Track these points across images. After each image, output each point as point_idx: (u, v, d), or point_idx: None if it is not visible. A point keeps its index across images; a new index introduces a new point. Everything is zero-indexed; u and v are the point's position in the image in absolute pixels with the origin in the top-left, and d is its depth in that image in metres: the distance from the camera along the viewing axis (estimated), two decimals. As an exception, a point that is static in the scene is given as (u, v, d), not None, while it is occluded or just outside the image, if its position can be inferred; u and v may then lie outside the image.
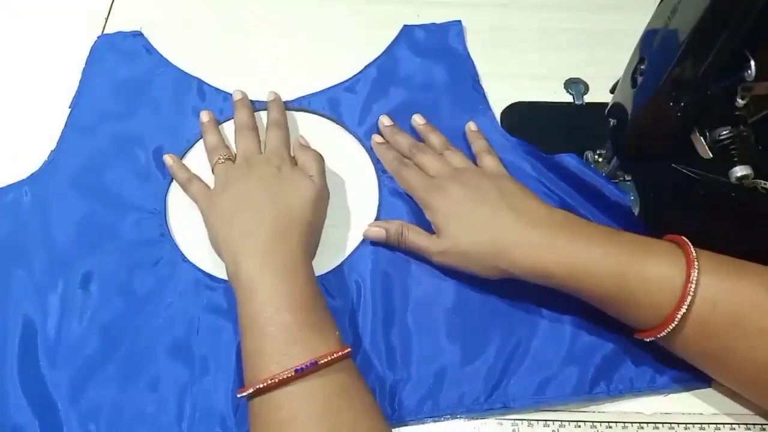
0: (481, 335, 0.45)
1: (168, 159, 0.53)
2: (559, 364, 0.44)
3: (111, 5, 0.65)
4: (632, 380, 0.43)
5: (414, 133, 0.55)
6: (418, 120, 0.55)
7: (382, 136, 0.55)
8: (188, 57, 0.61)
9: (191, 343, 0.45)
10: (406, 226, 0.48)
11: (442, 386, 0.43)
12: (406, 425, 0.42)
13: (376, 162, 0.54)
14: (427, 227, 0.48)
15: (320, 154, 0.52)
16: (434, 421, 0.43)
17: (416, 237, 0.47)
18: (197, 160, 0.54)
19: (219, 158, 0.51)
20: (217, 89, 0.58)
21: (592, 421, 0.42)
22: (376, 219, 0.51)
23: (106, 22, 0.64)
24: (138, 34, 0.62)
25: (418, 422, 0.43)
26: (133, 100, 0.58)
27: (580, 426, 0.42)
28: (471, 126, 0.55)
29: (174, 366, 0.44)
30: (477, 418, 0.43)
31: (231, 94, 0.58)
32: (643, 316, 0.40)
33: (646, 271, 0.39)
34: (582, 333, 0.45)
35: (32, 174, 0.53)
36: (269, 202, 0.46)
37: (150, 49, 0.61)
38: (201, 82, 0.59)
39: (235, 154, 0.52)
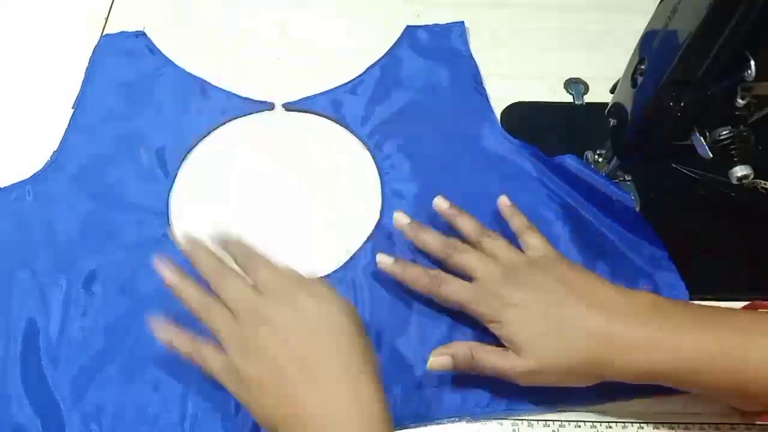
0: (484, 337, 0.45)
1: (165, 331, 0.41)
2: None
3: (111, 5, 0.65)
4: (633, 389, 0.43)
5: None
6: (441, 204, 0.47)
7: (405, 233, 0.47)
8: (190, 57, 0.61)
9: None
10: (476, 347, 0.41)
11: (445, 389, 0.43)
12: (408, 428, 0.43)
13: (379, 163, 0.54)
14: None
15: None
16: (437, 424, 0.43)
17: (493, 359, 0.40)
18: (201, 162, 0.55)
19: (214, 317, 0.40)
20: (219, 89, 0.59)
21: (592, 421, 0.42)
22: (378, 221, 0.51)
23: (105, 22, 0.64)
24: (141, 34, 0.62)
25: (421, 425, 0.43)
26: (136, 100, 0.58)
27: (580, 426, 0.42)
28: (504, 201, 0.48)
29: (176, 366, 0.44)
30: (475, 420, 0.43)
31: (234, 94, 0.57)
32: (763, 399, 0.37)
33: (760, 353, 0.36)
34: None
35: (35, 174, 0.53)
36: (303, 347, 0.38)
37: (153, 49, 0.61)
38: (204, 82, 0.59)
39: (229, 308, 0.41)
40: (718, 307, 0.40)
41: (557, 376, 0.39)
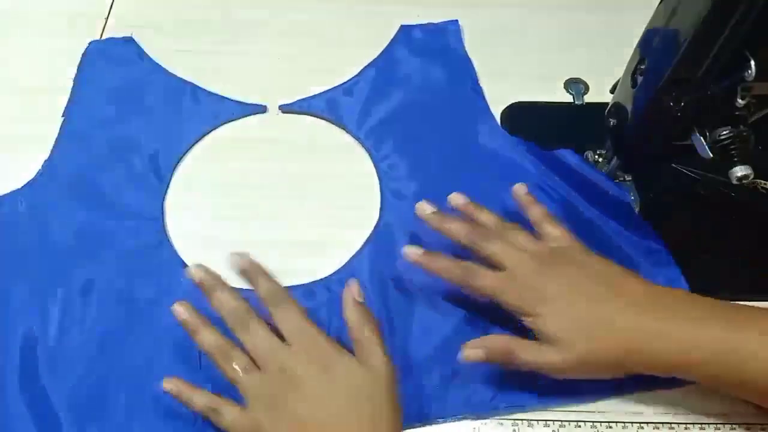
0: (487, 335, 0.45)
1: (175, 386, 0.40)
2: None
3: (109, 12, 0.65)
4: (638, 380, 0.43)
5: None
6: (458, 200, 0.46)
7: (428, 223, 0.45)
8: (183, 61, 0.60)
9: (192, 351, 0.44)
10: (512, 341, 0.40)
11: (448, 388, 0.43)
12: (411, 428, 0.42)
13: (377, 163, 0.54)
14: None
15: (373, 318, 0.41)
16: (438, 424, 0.42)
17: (530, 354, 0.39)
18: (195, 167, 0.54)
19: (237, 369, 0.38)
20: (210, 93, 0.58)
21: (592, 421, 0.42)
22: (378, 221, 0.51)
23: (103, 30, 0.64)
24: (129, 40, 0.62)
25: (423, 425, 0.42)
26: (127, 106, 0.57)
27: (580, 426, 0.42)
28: (520, 190, 0.46)
29: (175, 374, 0.43)
30: (478, 419, 0.43)
31: (226, 98, 0.57)
32: None
33: None
34: None
35: (27, 183, 0.53)
36: (332, 417, 0.37)
37: (142, 55, 0.61)
38: (195, 87, 0.59)
39: (249, 356, 0.39)
40: (748, 306, 0.39)
41: (592, 369, 0.39)
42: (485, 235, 0.43)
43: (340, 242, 0.50)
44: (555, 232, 0.43)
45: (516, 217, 0.46)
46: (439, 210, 0.45)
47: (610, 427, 0.42)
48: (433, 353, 0.44)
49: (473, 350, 0.40)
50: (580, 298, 0.40)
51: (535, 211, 0.45)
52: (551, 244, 0.43)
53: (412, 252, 0.44)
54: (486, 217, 0.45)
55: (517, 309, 0.40)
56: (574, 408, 0.43)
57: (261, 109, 0.58)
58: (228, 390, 0.40)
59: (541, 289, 0.40)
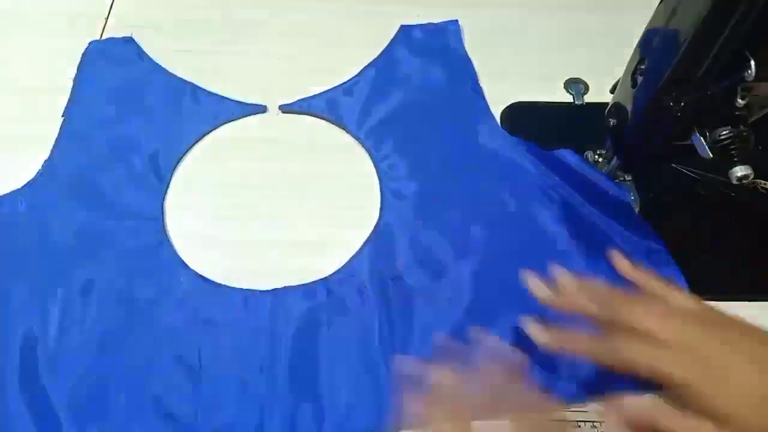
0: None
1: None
2: (565, 364, 0.44)
3: (109, 12, 0.65)
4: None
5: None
6: (623, 265, 0.40)
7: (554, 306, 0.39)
8: (183, 61, 0.60)
9: (192, 350, 0.45)
10: (658, 408, 0.34)
11: None
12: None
13: (377, 163, 0.54)
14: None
15: None
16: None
17: (685, 429, 0.34)
18: (195, 166, 0.54)
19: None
20: (210, 93, 0.58)
21: (593, 421, 0.42)
22: (378, 221, 0.51)
23: (103, 30, 0.64)
24: (129, 40, 0.62)
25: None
26: (127, 106, 0.57)
27: (580, 426, 0.42)
28: (624, 265, 0.41)
29: (175, 374, 0.44)
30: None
31: (226, 98, 0.57)
32: None
33: None
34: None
35: (27, 183, 0.53)
36: None
37: (142, 55, 0.61)
38: (195, 87, 0.59)
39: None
40: None
41: None
42: (625, 302, 0.37)
43: (340, 242, 0.50)
44: (686, 301, 0.38)
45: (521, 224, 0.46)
46: (555, 285, 0.40)
47: (610, 427, 0.42)
48: (433, 353, 0.44)
49: (611, 416, 0.35)
50: (752, 369, 0.34)
51: (654, 283, 0.39)
52: (695, 307, 0.37)
53: (536, 334, 0.39)
54: (644, 278, 0.39)
55: (682, 382, 0.34)
56: (574, 408, 0.43)
57: (261, 109, 0.58)
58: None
59: (708, 357, 0.34)
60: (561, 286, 0.39)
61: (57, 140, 0.55)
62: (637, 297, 0.38)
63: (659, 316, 0.36)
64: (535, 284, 0.40)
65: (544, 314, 0.40)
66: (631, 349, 0.35)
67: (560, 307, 0.39)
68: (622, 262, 0.41)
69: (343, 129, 0.57)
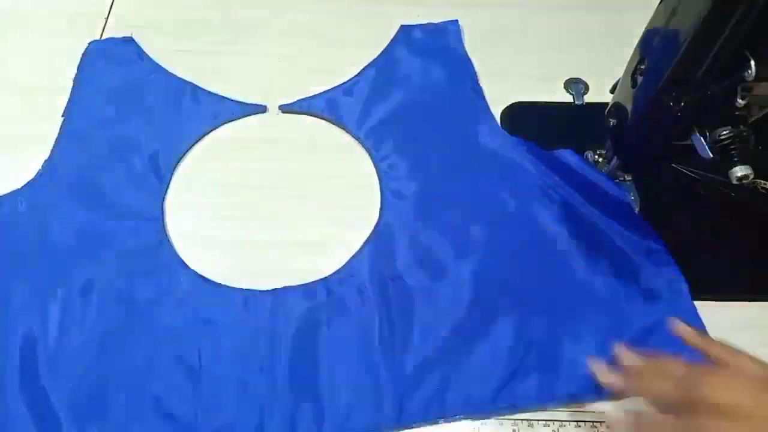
0: (486, 336, 0.45)
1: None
2: (565, 365, 0.44)
3: (109, 12, 0.65)
4: None
5: None
6: (686, 332, 0.39)
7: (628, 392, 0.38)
8: (183, 61, 0.60)
9: (192, 350, 0.45)
10: None
11: (448, 388, 0.43)
12: (410, 428, 0.42)
13: (377, 163, 0.54)
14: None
15: None
16: (442, 422, 0.43)
17: None
18: (195, 166, 0.54)
19: None
20: (210, 93, 0.58)
21: (593, 421, 0.42)
22: (378, 221, 0.51)
23: (103, 30, 0.64)
24: (129, 40, 0.62)
25: (423, 424, 0.42)
26: (127, 106, 0.57)
27: (580, 426, 0.42)
28: (687, 332, 0.39)
29: (175, 374, 0.44)
30: (478, 419, 0.43)
31: (226, 98, 0.57)
32: None
33: None
34: (589, 334, 0.45)
35: (27, 183, 0.53)
36: None
37: (142, 55, 0.61)
38: (195, 87, 0.59)
39: None
40: None
41: None
42: (700, 377, 0.35)
43: (340, 242, 0.50)
44: (759, 367, 0.36)
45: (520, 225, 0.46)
46: (622, 372, 0.39)
47: (611, 427, 0.42)
48: (433, 353, 0.44)
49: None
50: None
51: (718, 347, 0.37)
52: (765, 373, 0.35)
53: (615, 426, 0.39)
54: (716, 349, 0.37)
55: None
56: (574, 408, 0.43)
57: (261, 109, 0.58)
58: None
59: None
60: (626, 368, 0.38)
61: (57, 140, 0.55)
62: (706, 368, 0.36)
63: (736, 390, 0.34)
64: (599, 370, 0.39)
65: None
66: (718, 428, 0.33)
67: (634, 394, 0.38)
68: (685, 330, 0.39)
69: (343, 129, 0.57)
